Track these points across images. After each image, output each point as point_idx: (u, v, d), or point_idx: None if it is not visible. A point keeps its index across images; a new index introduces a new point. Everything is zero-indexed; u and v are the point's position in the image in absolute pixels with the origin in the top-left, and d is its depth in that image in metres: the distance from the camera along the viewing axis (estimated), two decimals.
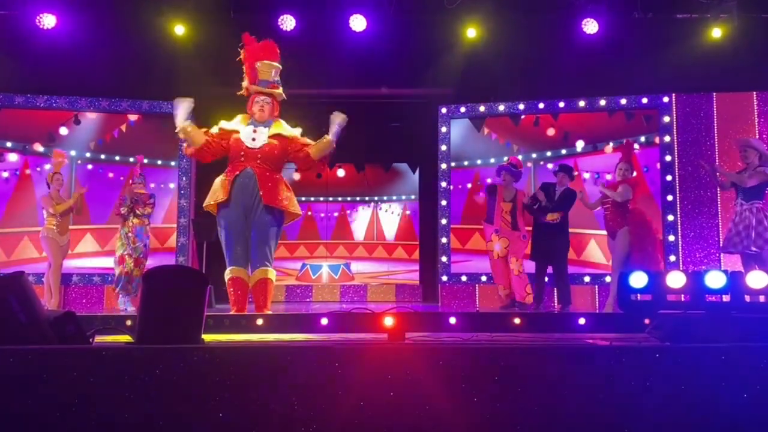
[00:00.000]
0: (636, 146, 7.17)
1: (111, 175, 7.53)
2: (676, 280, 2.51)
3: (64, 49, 6.99)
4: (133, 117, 7.61)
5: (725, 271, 2.50)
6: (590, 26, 6.92)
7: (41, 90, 7.31)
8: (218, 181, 4.75)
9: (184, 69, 7.09)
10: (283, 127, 4.79)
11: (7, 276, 2.31)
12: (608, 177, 7.12)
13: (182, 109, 4.71)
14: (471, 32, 7.08)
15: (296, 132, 4.84)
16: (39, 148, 7.33)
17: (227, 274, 4.66)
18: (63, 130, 7.41)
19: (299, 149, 4.75)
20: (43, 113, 7.37)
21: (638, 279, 2.51)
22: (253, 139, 4.63)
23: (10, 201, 7.22)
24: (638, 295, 2.55)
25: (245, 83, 4.79)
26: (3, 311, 2.19)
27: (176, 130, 4.76)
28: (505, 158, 6.74)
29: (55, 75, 7.18)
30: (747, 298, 2.52)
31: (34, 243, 7.10)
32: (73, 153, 7.34)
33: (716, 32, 6.87)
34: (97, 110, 7.47)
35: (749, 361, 2.13)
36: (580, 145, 7.46)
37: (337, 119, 4.71)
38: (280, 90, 4.82)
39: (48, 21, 6.81)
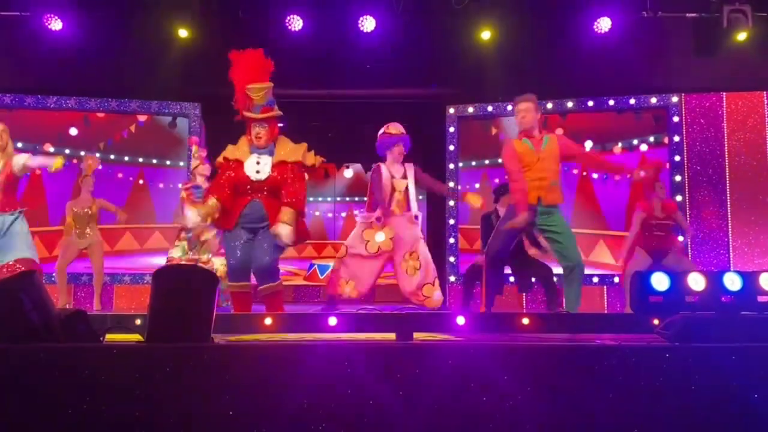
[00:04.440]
0: (644, 146, 7.15)
1: (120, 175, 7.58)
2: (696, 281, 2.50)
3: (74, 50, 7.04)
4: (142, 117, 7.65)
5: (738, 272, 2.49)
6: (603, 24, 6.90)
7: (51, 91, 7.36)
8: (214, 201, 4.64)
9: (193, 69, 7.12)
10: (287, 150, 4.69)
11: (20, 274, 2.33)
12: (616, 178, 7.13)
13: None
14: (479, 32, 7.09)
15: (299, 152, 4.69)
16: (49, 148, 7.38)
17: (228, 287, 4.77)
18: (73, 131, 7.46)
19: (286, 186, 4.60)
20: (53, 114, 7.42)
21: (660, 281, 2.49)
22: (258, 171, 4.58)
23: (20, 201, 7.26)
24: (657, 297, 2.53)
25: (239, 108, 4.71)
26: (15, 309, 2.21)
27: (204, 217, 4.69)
28: (393, 128, 5.43)
29: (64, 76, 7.24)
30: (759, 299, 2.51)
31: (44, 243, 7.14)
32: (82, 153, 7.39)
33: (726, 32, 6.83)
34: (106, 111, 7.52)
35: (760, 361, 2.12)
36: (588, 145, 7.43)
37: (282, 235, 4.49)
38: (275, 111, 4.70)
39: (56, 24, 6.89)
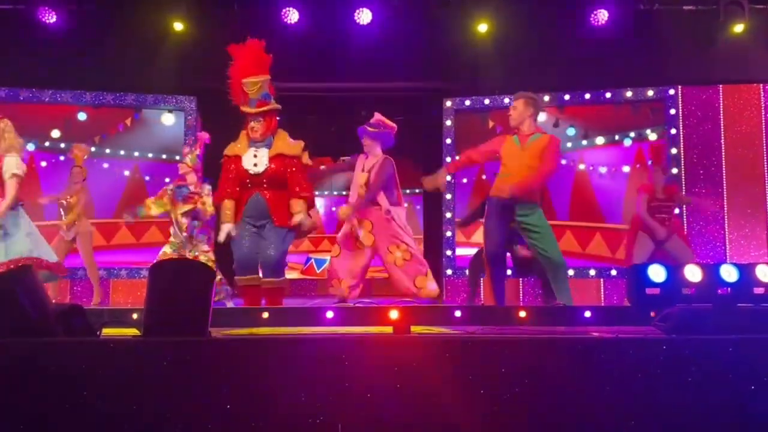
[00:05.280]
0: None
1: (116, 169, 7.54)
2: (693, 273, 2.50)
3: (69, 43, 7.00)
4: (138, 112, 7.62)
5: (735, 264, 2.50)
6: (600, 16, 6.92)
7: (46, 85, 7.32)
8: (228, 204, 4.75)
9: (189, 63, 7.10)
10: (284, 144, 4.73)
11: (15, 269, 2.32)
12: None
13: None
14: (476, 25, 7.07)
15: (297, 149, 4.73)
16: (45, 143, 7.35)
17: (237, 282, 4.78)
18: (67, 125, 7.43)
19: (293, 180, 4.67)
20: (48, 108, 7.38)
21: (657, 273, 2.49)
22: (255, 165, 4.62)
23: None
24: (654, 289, 2.53)
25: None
26: (11, 304, 2.20)
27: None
28: (388, 121, 5.38)
29: (59, 70, 7.19)
30: (755, 291, 2.51)
31: None
32: None
33: (723, 24, 6.83)
34: (101, 104, 7.48)
35: (756, 353, 2.13)
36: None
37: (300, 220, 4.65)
38: (272, 104, 4.71)
39: (51, 17, 6.86)
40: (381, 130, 5.26)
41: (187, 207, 5.51)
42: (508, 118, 4.59)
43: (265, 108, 4.67)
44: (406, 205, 5.39)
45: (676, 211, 6.97)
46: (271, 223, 4.64)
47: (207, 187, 5.67)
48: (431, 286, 5.13)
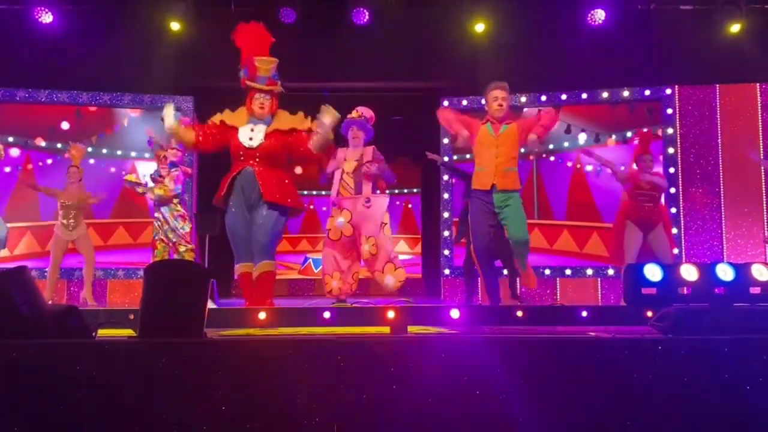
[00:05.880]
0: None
1: (113, 169, 7.53)
2: (689, 272, 2.49)
3: (65, 43, 6.99)
4: (134, 112, 7.61)
5: (731, 263, 2.49)
6: (597, 15, 6.94)
7: (43, 85, 7.30)
8: (223, 180, 4.79)
9: (186, 63, 7.09)
10: (283, 121, 4.76)
11: (10, 269, 2.31)
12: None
13: (169, 112, 4.72)
14: (474, 25, 7.07)
15: (297, 120, 4.76)
16: (41, 142, 7.33)
17: (236, 270, 4.77)
18: (65, 125, 7.41)
19: (300, 144, 4.71)
20: (45, 108, 7.37)
21: (653, 272, 2.48)
22: (251, 138, 4.63)
23: (12, 196, 7.23)
24: (650, 288, 2.52)
25: (242, 76, 4.76)
26: (5, 305, 2.19)
27: (167, 131, 4.80)
28: (354, 112, 5.53)
29: (56, 70, 7.18)
30: (752, 290, 2.51)
31: (36, 238, 7.10)
32: None
33: (720, 24, 6.84)
34: (98, 105, 7.47)
35: (753, 353, 2.12)
36: (582, 138, 7.44)
37: (326, 118, 4.59)
38: (279, 85, 4.79)
39: (47, 17, 6.85)
40: (371, 123, 5.47)
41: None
42: (498, 110, 4.58)
43: (275, 87, 4.74)
44: (388, 192, 5.53)
45: (674, 210, 7.00)
46: (262, 202, 4.60)
47: (173, 171, 5.74)
48: (387, 280, 5.22)
